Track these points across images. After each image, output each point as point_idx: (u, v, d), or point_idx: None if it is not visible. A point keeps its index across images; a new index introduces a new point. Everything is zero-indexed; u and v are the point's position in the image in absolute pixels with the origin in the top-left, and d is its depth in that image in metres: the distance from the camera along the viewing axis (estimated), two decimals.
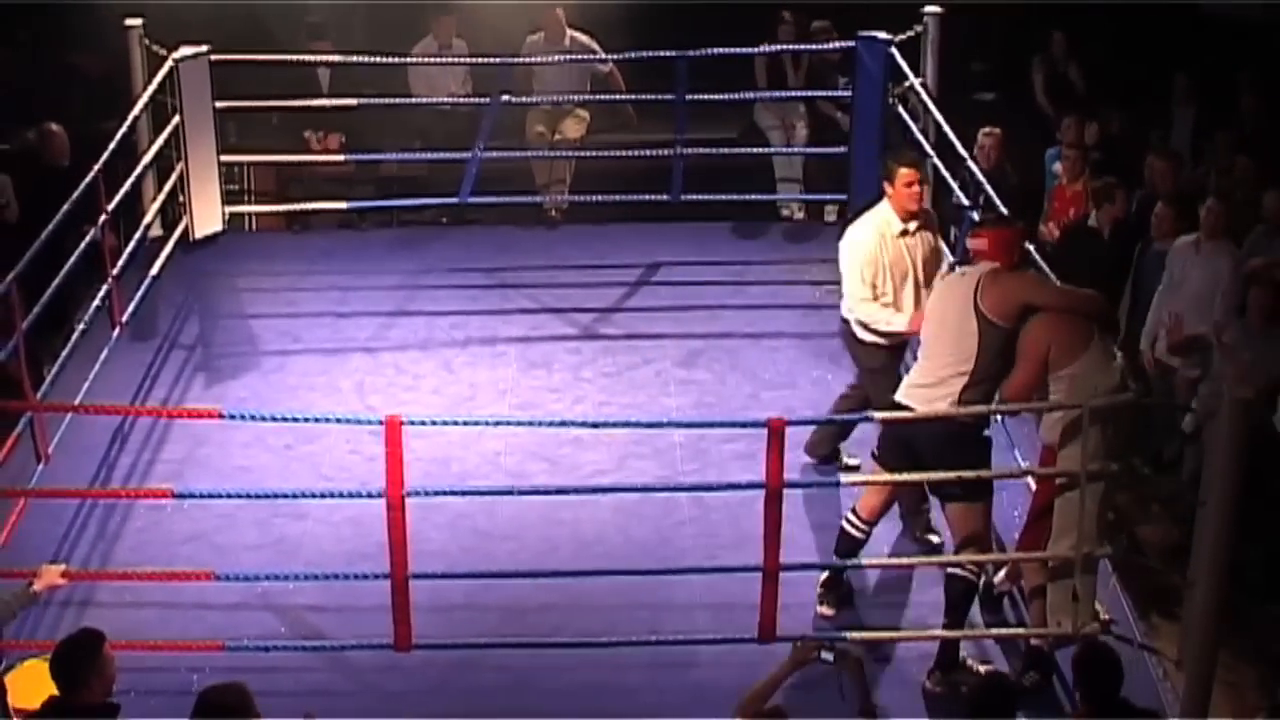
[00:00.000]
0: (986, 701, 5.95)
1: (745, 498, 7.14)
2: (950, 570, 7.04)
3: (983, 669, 6.93)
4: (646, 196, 10.84)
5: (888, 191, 7.78)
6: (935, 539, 7.72)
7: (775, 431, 6.54)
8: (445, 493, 7.29)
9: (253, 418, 7.36)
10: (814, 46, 11.34)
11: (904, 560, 7.39)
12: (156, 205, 10.14)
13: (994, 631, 7.27)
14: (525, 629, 7.17)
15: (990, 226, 7.36)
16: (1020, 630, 7.16)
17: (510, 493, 7.56)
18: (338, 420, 7.38)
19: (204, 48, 10.15)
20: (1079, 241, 9.78)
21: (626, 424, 8.29)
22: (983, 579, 7.44)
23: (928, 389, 7.00)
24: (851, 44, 10.62)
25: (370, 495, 6.87)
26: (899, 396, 7.12)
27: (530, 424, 8.33)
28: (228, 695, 5.53)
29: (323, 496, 7.76)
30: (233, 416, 7.30)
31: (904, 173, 7.74)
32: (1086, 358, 6.75)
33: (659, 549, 7.79)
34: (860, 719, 6.06)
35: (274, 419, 7.18)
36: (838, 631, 7.02)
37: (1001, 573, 7.43)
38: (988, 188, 9.17)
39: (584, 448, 8.49)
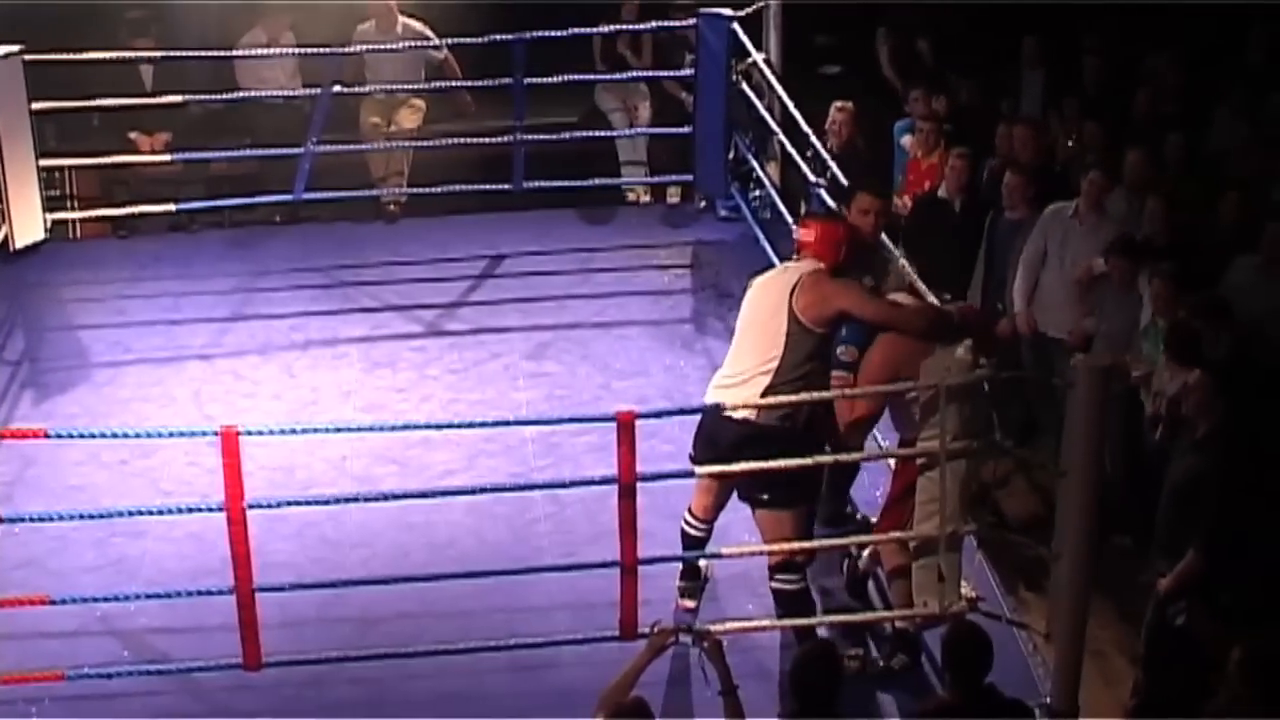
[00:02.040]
0: (808, 671, 5.78)
1: (600, 492, 6.97)
2: (770, 584, 6.83)
3: (852, 653, 6.80)
4: (487, 186, 10.71)
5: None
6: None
7: (624, 425, 6.37)
8: (288, 503, 7.05)
9: (81, 435, 7.10)
10: (654, 25, 11.17)
11: (759, 549, 7.22)
12: None
13: (859, 616, 7.13)
14: (380, 639, 6.96)
15: (819, 219, 7.16)
16: (885, 614, 7.03)
17: (356, 499, 7.33)
18: (170, 434, 7.13)
19: (16, 47, 9.77)
20: (931, 213, 9.69)
21: (471, 425, 8.08)
22: (847, 563, 7.35)
23: (730, 389, 6.75)
24: (693, 22, 10.49)
25: (209, 509, 6.58)
26: (709, 392, 6.86)
27: (373, 429, 8.12)
28: None
29: (160, 513, 7.49)
30: (59, 435, 7.02)
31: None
32: (931, 361, 6.58)
33: (514, 548, 7.63)
34: (724, 698, 5.92)
35: (104, 435, 6.93)
36: (699, 623, 6.84)
37: (865, 554, 7.32)
38: (833, 165, 9.06)
39: (433, 448, 8.31)
